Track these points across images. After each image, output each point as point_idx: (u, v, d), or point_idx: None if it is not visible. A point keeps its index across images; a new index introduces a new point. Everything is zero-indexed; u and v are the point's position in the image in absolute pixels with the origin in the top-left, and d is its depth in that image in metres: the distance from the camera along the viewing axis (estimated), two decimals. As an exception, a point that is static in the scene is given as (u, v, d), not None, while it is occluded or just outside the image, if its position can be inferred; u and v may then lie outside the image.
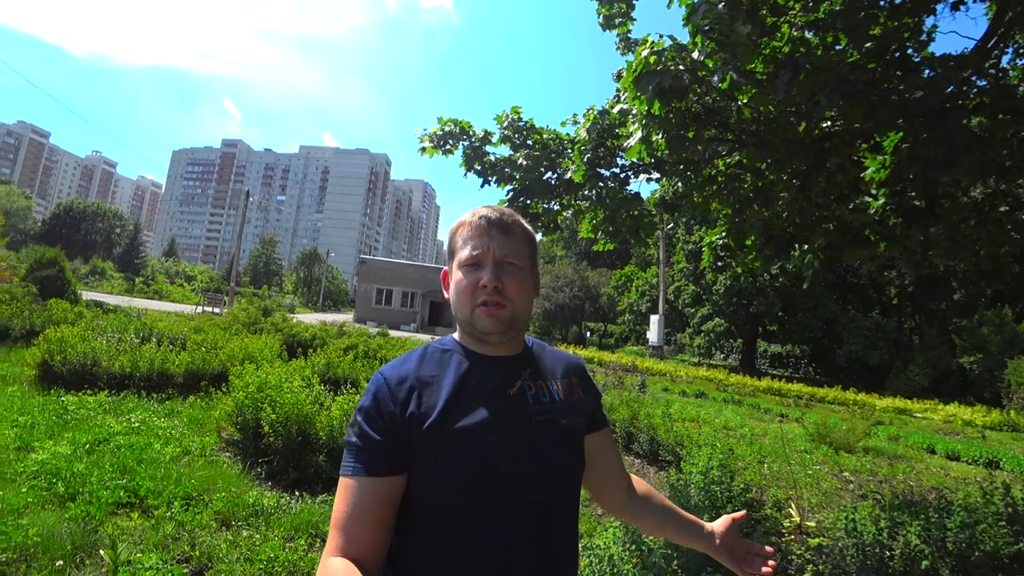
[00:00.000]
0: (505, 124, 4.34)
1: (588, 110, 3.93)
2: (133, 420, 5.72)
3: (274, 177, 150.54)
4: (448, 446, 0.98)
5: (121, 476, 4.08)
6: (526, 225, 1.14)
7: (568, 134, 4.47)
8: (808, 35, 3.36)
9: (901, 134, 3.33)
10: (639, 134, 2.97)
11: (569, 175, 3.91)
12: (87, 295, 18.78)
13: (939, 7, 3.66)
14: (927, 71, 3.36)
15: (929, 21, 3.73)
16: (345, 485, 0.99)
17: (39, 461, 4.23)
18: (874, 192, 3.90)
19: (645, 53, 2.73)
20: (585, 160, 3.71)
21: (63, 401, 6.11)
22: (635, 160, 3.49)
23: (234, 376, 5.83)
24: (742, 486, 4.21)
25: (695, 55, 2.81)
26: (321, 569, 0.92)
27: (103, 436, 5.04)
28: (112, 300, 22.44)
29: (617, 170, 4.00)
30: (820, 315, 35.29)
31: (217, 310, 23.19)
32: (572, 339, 40.59)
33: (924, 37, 3.70)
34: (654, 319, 26.53)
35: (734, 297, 34.71)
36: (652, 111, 2.74)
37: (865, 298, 41.06)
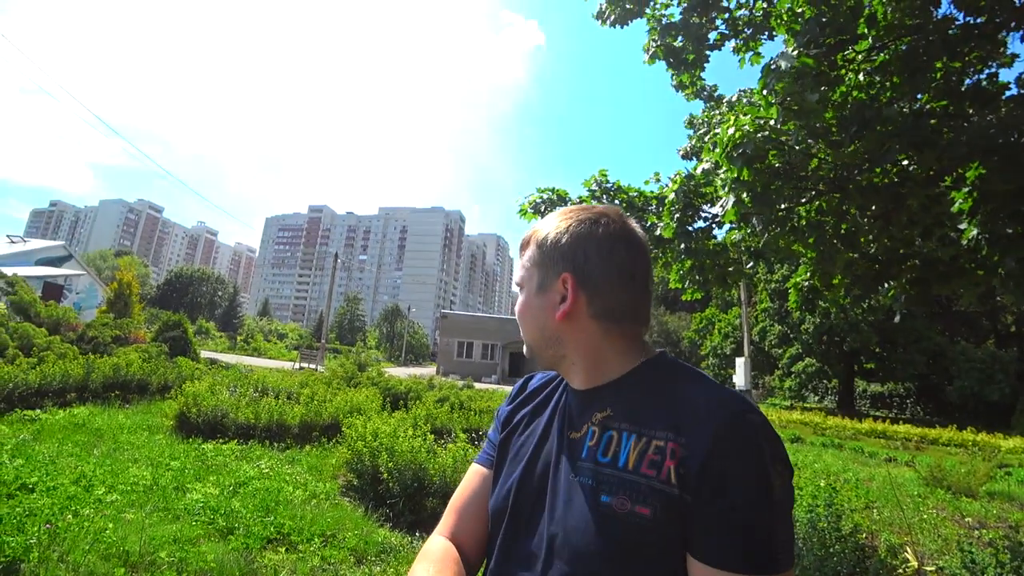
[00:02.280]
0: (593, 186, 4.76)
1: (675, 174, 4.27)
2: (263, 466, 6.36)
3: (356, 238, 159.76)
4: (502, 464, 0.97)
5: (265, 515, 4.62)
6: (540, 236, 0.91)
7: (652, 191, 4.83)
8: (875, 78, 3.56)
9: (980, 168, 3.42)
10: (731, 198, 3.27)
11: (659, 232, 4.23)
12: (203, 353, 20.71)
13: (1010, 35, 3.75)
14: (1002, 100, 3.45)
15: (1011, 46, 3.81)
16: (467, 471, 1.06)
17: (194, 500, 4.85)
18: (962, 224, 3.94)
19: (732, 131, 3.09)
20: (675, 219, 4.03)
21: (202, 448, 6.88)
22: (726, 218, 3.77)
23: (347, 427, 6.42)
24: (851, 527, 4.17)
25: (772, 122, 3.12)
26: (425, 544, 0.96)
27: (242, 480, 5.66)
28: (221, 357, 24.49)
29: (703, 223, 4.29)
30: (924, 349, 32.10)
31: (314, 366, 24.70)
32: (653, 385, 39.80)
33: (994, 68, 3.78)
34: (740, 362, 25.54)
35: (824, 335, 32.42)
36: (742, 177, 3.05)
37: (976, 328, 37.57)
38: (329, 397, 9.60)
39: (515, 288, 0.96)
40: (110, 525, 3.96)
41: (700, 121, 5.72)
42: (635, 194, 4.80)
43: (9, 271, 20.13)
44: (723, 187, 3.42)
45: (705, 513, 0.70)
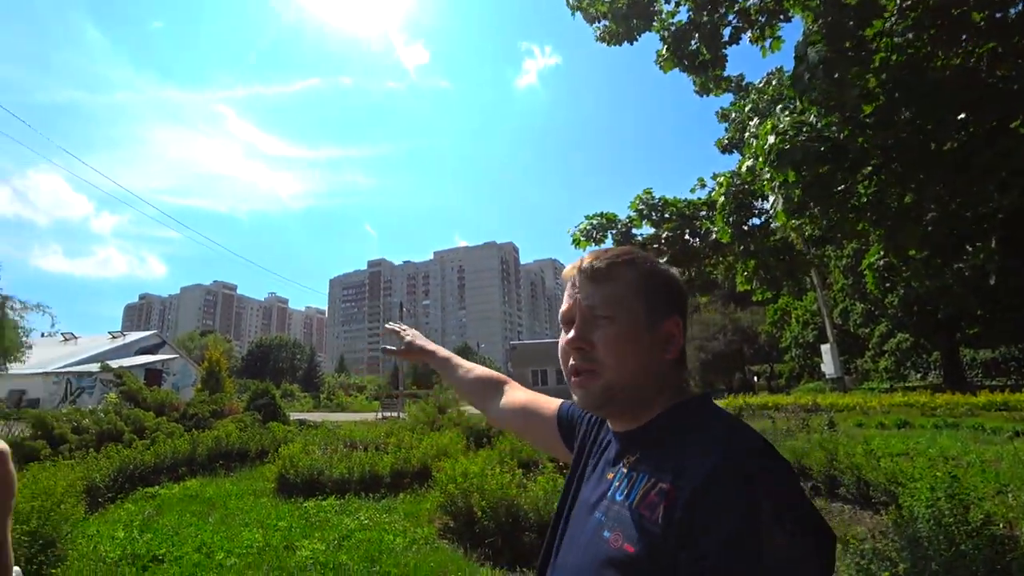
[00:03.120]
0: (640, 206, 4.77)
1: (716, 175, 4.23)
2: (362, 518, 6.58)
3: (417, 285, 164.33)
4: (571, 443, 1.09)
5: (371, 565, 4.78)
6: (643, 265, 0.88)
7: (700, 198, 4.80)
8: (910, 36, 3.40)
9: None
10: (780, 198, 3.23)
11: (714, 237, 4.18)
12: (292, 415, 21.73)
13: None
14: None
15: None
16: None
17: (304, 557, 5.09)
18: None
19: (772, 140, 3.06)
20: (729, 222, 3.98)
21: (304, 507, 7.20)
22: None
23: (436, 471, 6.58)
24: (981, 518, 3.83)
25: (811, 119, 3.07)
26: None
27: (344, 533, 5.89)
28: (308, 416, 25.56)
29: (759, 220, 4.20)
30: (1036, 302, 28.82)
31: (395, 414, 25.38)
32: (738, 387, 37.90)
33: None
34: (825, 349, 24.09)
35: (914, 305, 29.24)
36: (788, 179, 3.01)
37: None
38: (415, 443, 9.83)
39: (590, 311, 0.86)
40: (233, 589, 4.23)
41: (733, 112, 5.64)
42: (683, 204, 4.77)
43: (115, 363, 22.04)
44: (771, 189, 3.36)
45: (681, 560, 0.66)
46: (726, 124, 6.03)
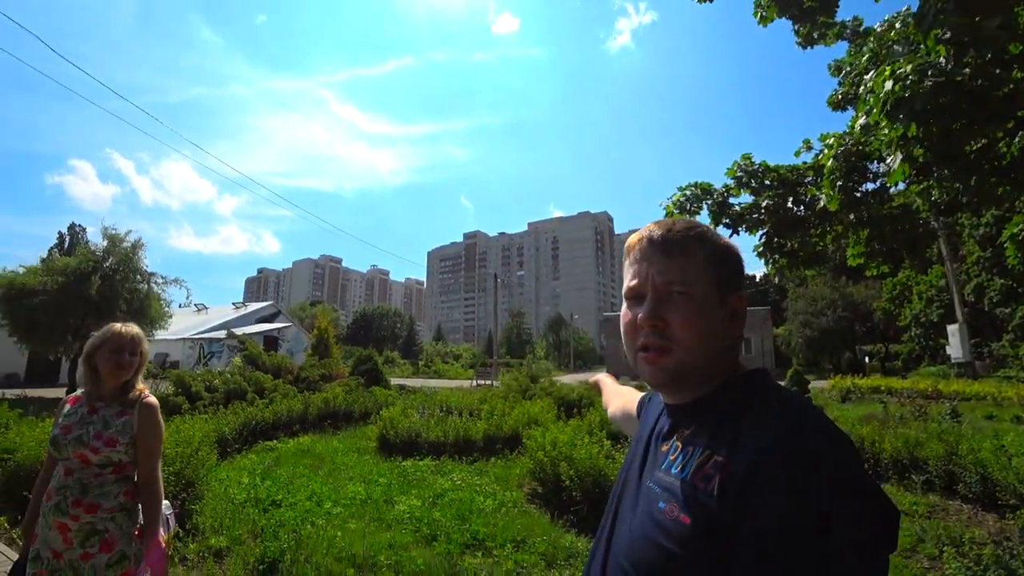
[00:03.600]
0: (738, 172, 4.47)
1: (824, 136, 3.84)
2: (455, 479, 6.90)
3: (511, 256, 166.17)
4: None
5: (462, 523, 5.02)
6: (712, 239, 0.87)
7: (805, 162, 4.41)
8: None
9: None
10: (899, 155, 2.88)
11: (821, 204, 3.84)
12: (392, 380, 23.07)
13: None
14: None
15: None
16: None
17: (401, 511, 5.43)
18: None
19: (889, 85, 2.71)
20: (837, 188, 3.61)
21: (402, 466, 7.66)
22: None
23: (527, 439, 6.74)
24: None
25: (941, 61, 2.68)
26: None
27: (438, 492, 6.21)
28: (407, 382, 26.97)
29: (875, 185, 3.79)
30: None
31: (489, 381, 26.16)
32: (846, 367, 34.97)
33: None
34: (952, 330, 21.46)
35: None
36: (909, 134, 2.66)
37: None
38: (507, 411, 10.12)
39: (666, 286, 0.84)
40: (338, 533, 4.61)
41: (847, 65, 5.08)
42: (787, 170, 4.40)
43: (238, 331, 24.44)
44: (888, 146, 2.99)
45: (741, 533, 0.64)
46: (839, 78, 5.46)
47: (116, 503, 2.00)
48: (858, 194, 3.62)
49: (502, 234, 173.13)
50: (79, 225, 60.06)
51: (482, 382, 27.34)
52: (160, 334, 18.64)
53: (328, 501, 5.73)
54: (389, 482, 6.68)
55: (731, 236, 4.45)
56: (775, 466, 0.65)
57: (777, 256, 4.44)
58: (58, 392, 17.04)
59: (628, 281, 0.89)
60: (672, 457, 0.81)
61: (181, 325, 36.56)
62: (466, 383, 29.32)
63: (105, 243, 15.78)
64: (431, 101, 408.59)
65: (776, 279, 5.19)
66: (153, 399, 2.18)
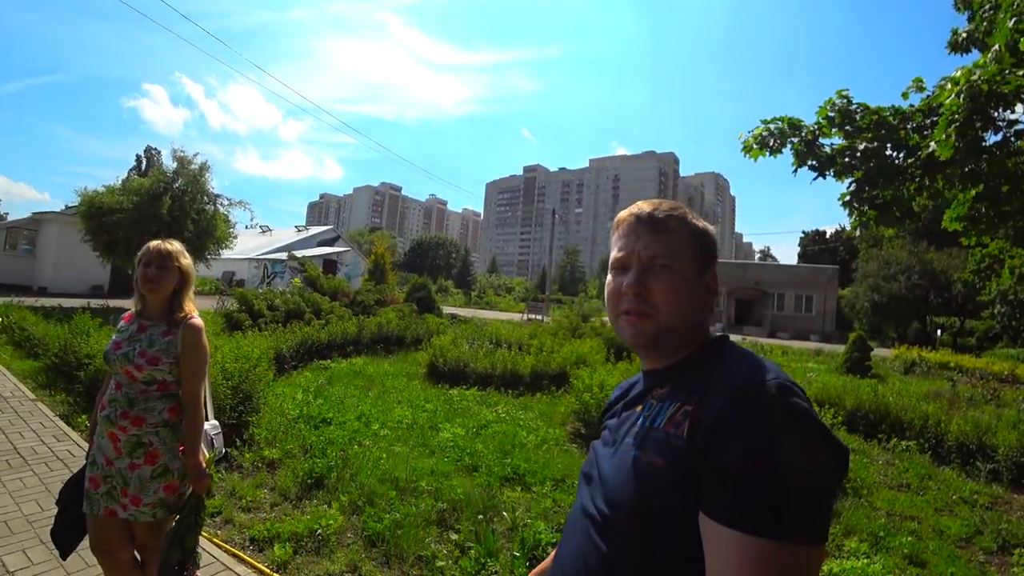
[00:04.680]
0: (830, 112, 3.96)
1: (955, 72, 3.24)
2: (499, 411, 6.98)
3: (570, 192, 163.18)
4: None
5: (503, 456, 5.07)
6: (692, 221, 0.96)
7: (912, 105, 3.84)
8: None
9: None
10: None
11: (931, 150, 3.34)
12: (444, 309, 23.54)
13: None
14: None
15: None
16: None
17: (445, 439, 5.54)
18: None
19: None
20: (952, 130, 3.10)
21: (449, 394, 7.82)
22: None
23: (574, 378, 6.69)
24: None
25: None
26: None
27: (482, 423, 6.30)
28: (459, 311, 27.48)
29: (997, 138, 3.22)
30: None
31: (540, 316, 26.34)
32: (913, 338, 32.73)
33: None
34: None
35: None
36: None
37: None
38: (556, 348, 10.12)
39: (651, 259, 0.93)
40: (384, 455, 4.76)
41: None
42: (889, 112, 3.85)
43: (300, 253, 25.30)
44: None
45: (709, 469, 0.72)
46: (968, 12, 4.68)
47: (160, 419, 2.05)
48: (983, 143, 3.09)
49: (563, 169, 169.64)
50: (154, 148, 62.59)
51: (533, 316, 27.48)
52: (227, 253, 19.46)
53: (376, 423, 5.91)
54: (435, 408, 6.83)
55: (816, 179, 4.01)
56: (737, 408, 0.73)
57: (867, 207, 4.00)
58: (138, 302, 18.12)
59: (615, 253, 0.98)
60: (647, 413, 0.90)
61: (247, 245, 38.22)
62: (517, 316, 29.58)
63: (175, 165, 16.34)
64: (499, 28, 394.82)
65: (857, 233, 4.73)
66: (198, 321, 2.17)
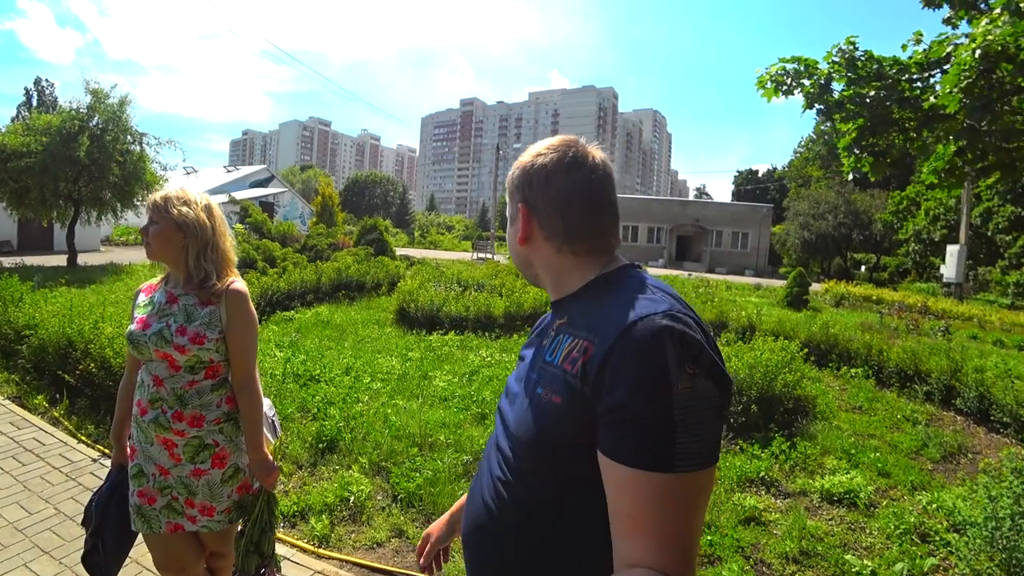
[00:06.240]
0: (835, 57, 4.00)
1: (975, 23, 3.29)
2: (484, 355, 6.98)
3: (509, 127, 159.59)
4: None
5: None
6: (512, 170, 1.02)
7: (911, 57, 3.95)
8: None
9: None
10: None
11: (929, 104, 3.46)
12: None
13: None
14: None
15: None
16: None
17: (440, 387, 5.51)
18: None
19: None
20: (961, 87, 3.20)
21: (428, 340, 7.75)
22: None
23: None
24: None
25: None
26: None
27: (471, 368, 6.28)
28: (408, 252, 26.83)
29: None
30: None
31: (488, 255, 26.32)
32: (835, 273, 35.29)
33: None
34: (952, 250, 21.45)
35: None
36: None
37: None
38: (517, 288, 10.25)
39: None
40: (389, 411, 4.70)
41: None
42: (889, 63, 3.95)
43: (235, 196, 23.77)
44: None
45: (601, 407, 0.74)
46: None
47: (220, 412, 1.75)
48: (996, 103, 3.21)
49: (501, 103, 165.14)
50: (46, 79, 57.00)
51: (482, 255, 27.47)
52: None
53: (366, 376, 5.78)
54: (421, 357, 6.76)
55: (823, 123, 4.09)
56: (627, 346, 0.74)
57: (865, 154, 4.16)
58: (57, 259, 16.31)
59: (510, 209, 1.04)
60: (548, 345, 0.92)
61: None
62: (464, 255, 29.41)
63: (89, 99, 14.49)
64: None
65: (849, 177, 4.93)
66: (242, 285, 1.80)
